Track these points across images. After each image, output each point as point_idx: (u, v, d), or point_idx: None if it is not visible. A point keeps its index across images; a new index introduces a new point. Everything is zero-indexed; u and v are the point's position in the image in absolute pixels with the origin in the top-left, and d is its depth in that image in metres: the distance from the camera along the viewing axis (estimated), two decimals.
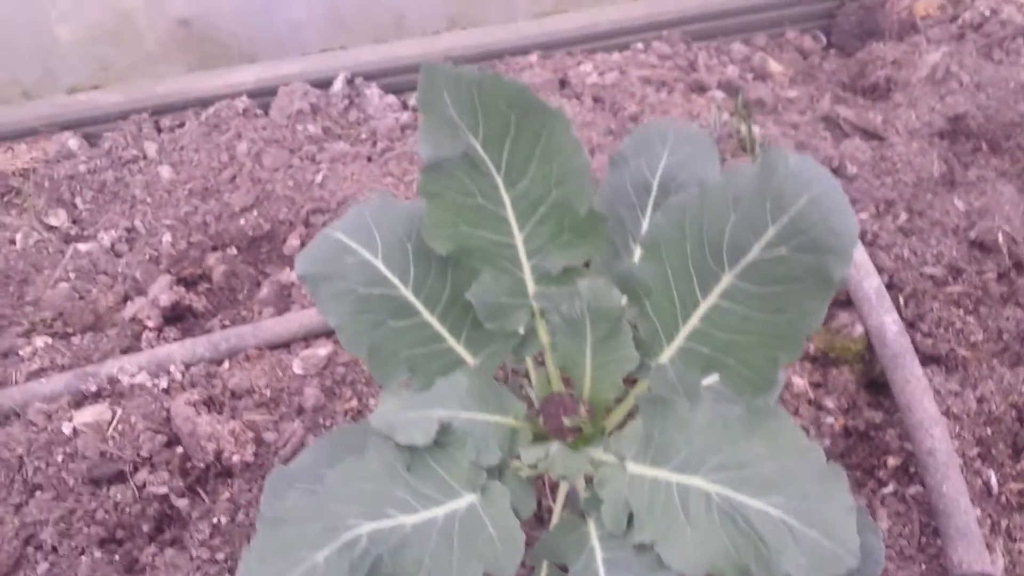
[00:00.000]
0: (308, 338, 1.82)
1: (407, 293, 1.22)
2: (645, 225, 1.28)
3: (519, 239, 1.18)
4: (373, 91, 2.46)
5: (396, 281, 1.22)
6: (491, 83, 1.11)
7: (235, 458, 1.60)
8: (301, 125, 2.35)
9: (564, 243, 1.17)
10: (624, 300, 1.11)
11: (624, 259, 1.26)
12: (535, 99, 1.12)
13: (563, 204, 1.15)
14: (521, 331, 1.22)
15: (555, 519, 1.22)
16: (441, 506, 1.04)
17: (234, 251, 2.12)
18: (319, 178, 2.21)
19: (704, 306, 1.01)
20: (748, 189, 0.95)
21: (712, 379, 1.05)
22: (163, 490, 1.58)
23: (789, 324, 0.93)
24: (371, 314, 1.21)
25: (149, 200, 2.21)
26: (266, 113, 2.40)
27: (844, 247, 0.90)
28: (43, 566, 1.49)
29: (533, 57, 2.49)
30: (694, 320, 1.03)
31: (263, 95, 2.43)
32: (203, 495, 1.61)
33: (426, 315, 1.23)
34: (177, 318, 1.97)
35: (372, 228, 1.24)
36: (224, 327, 1.93)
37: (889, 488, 1.57)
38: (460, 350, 1.24)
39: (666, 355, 1.08)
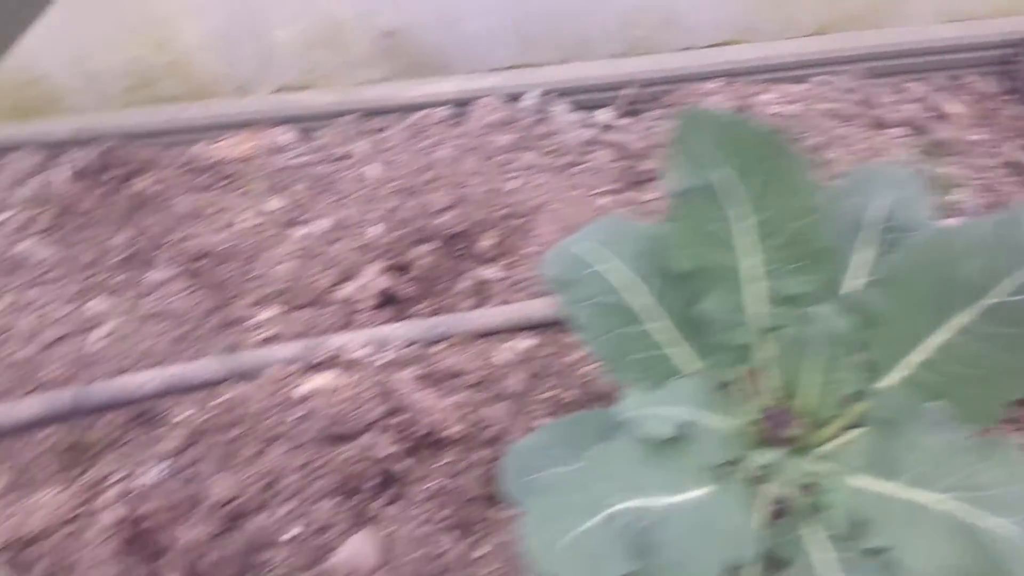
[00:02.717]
0: (512, 331, 2.01)
1: (640, 304, 1.39)
2: (857, 260, 1.42)
3: (753, 264, 1.33)
4: (561, 107, 2.65)
5: (630, 292, 1.39)
6: (743, 125, 1.27)
7: (449, 431, 1.80)
8: (495, 135, 2.55)
9: (794, 271, 1.31)
10: (848, 326, 1.25)
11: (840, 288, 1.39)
12: (781, 142, 1.27)
13: (798, 236, 1.29)
14: (744, 346, 1.38)
15: (765, 520, 1.36)
16: (681, 495, 1.19)
17: (434, 246, 2.34)
18: (512, 186, 2.40)
19: (935, 339, 1.14)
20: (990, 236, 1.08)
21: (930, 404, 1.18)
22: (385, 453, 1.78)
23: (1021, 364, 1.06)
24: (607, 319, 1.38)
25: (358, 195, 2.45)
26: (464, 122, 2.62)
27: None
28: (285, 507, 1.71)
29: (715, 84, 2.63)
30: (923, 351, 1.16)
31: (460, 105, 2.65)
32: (420, 462, 1.81)
33: (657, 324, 1.39)
34: (386, 303, 2.20)
35: (608, 243, 1.42)
36: (427, 315, 2.14)
37: None
38: (687, 358, 1.40)
39: (890, 380, 1.21)
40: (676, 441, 1.25)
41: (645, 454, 1.22)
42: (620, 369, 1.38)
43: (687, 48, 2.77)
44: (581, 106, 2.67)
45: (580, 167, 2.46)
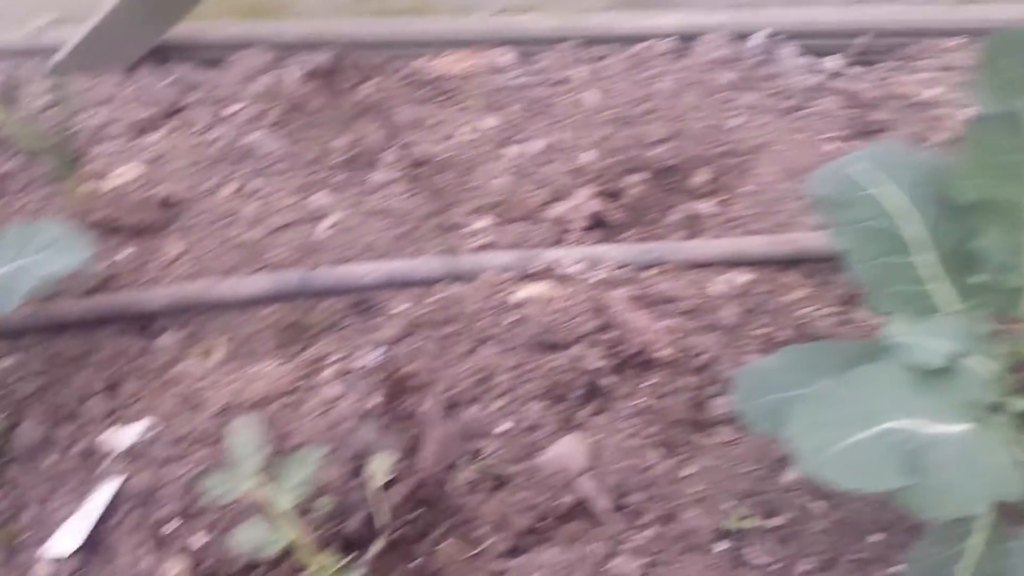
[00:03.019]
0: (727, 265, 1.98)
1: (911, 233, 1.33)
2: None
3: None
4: (788, 51, 2.56)
5: (903, 220, 1.34)
6: None
7: (659, 353, 1.80)
8: (717, 73, 2.50)
9: None
10: None
11: None
12: None
13: None
14: (1016, 290, 1.31)
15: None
16: (947, 426, 1.15)
17: (645, 177, 2.32)
18: (732, 124, 2.35)
19: None
20: None
21: None
22: (593, 366, 1.80)
23: None
24: (874, 245, 1.34)
25: (573, 119, 2.46)
26: (686, 57, 2.57)
27: None
28: (497, 403, 1.76)
29: (956, 42, 2.48)
30: None
31: (684, 40, 2.60)
32: (627, 379, 1.82)
33: (924, 257, 1.33)
34: (595, 226, 2.21)
35: (884, 168, 1.37)
36: (636, 242, 2.14)
37: None
38: (947, 297, 1.34)
39: None
40: (942, 374, 1.21)
41: (912, 381, 1.18)
42: (880, 299, 1.34)
43: (929, 2, 2.63)
44: (809, 51, 2.58)
45: (805, 112, 2.38)
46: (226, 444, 1.34)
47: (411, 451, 1.64)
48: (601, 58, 2.64)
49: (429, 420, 1.19)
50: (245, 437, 1.33)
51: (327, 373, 1.89)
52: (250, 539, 1.29)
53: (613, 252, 2.02)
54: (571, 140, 2.41)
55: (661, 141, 2.35)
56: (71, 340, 2.02)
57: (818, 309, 1.91)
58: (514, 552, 1.58)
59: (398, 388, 1.48)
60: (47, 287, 1.81)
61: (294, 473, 1.31)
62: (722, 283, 1.94)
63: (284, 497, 1.29)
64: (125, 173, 2.49)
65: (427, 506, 1.61)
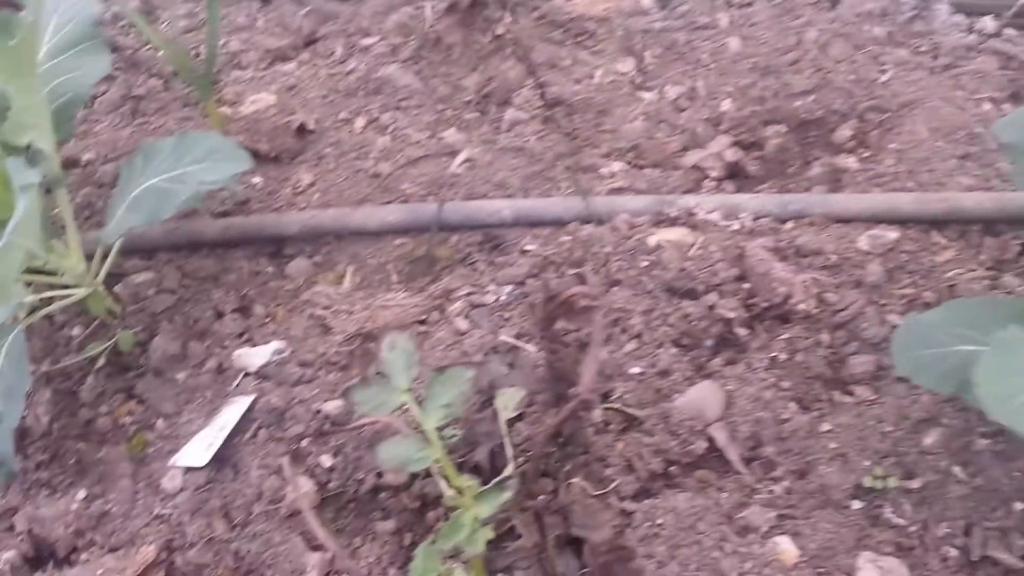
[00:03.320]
0: (873, 221, 1.91)
1: None
2: None
3: None
4: (942, 7, 2.44)
5: None
6: None
7: (800, 306, 1.75)
8: (868, 25, 2.40)
9: None
10: None
11: None
12: None
13: None
14: None
15: None
16: None
17: (786, 128, 2.25)
18: (883, 78, 2.25)
19: None
20: None
21: None
22: (729, 315, 1.76)
23: None
24: None
25: (712, 66, 2.39)
26: (836, 7, 2.47)
27: None
28: (629, 345, 1.74)
29: None
30: None
31: None
32: (762, 331, 1.78)
33: None
34: (732, 176, 2.15)
35: None
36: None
37: None
38: None
39: None
40: None
41: None
42: None
43: None
44: (963, 10, 2.46)
45: (958, 71, 2.26)
46: (380, 358, 1.35)
47: (548, 384, 1.63)
48: (747, 4, 2.55)
49: (595, 340, 1.16)
50: (398, 353, 1.34)
51: (456, 306, 1.90)
52: (395, 455, 1.30)
53: (752, 202, 1.97)
54: (710, 87, 2.34)
55: (805, 93, 2.27)
56: (205, 259, 2.08)
57: (968, 271, 1.82)
58: (642, 495, 1.57)
59: (555, 312, 1.45)
60: (203, 197, 1.85)
61: (443, 393, 1.32)
62: (867, 240, 1.87)
63: (432, 416, 1.30)
64: (260, 100, 2.54)
65: (558, 442, 1.61)
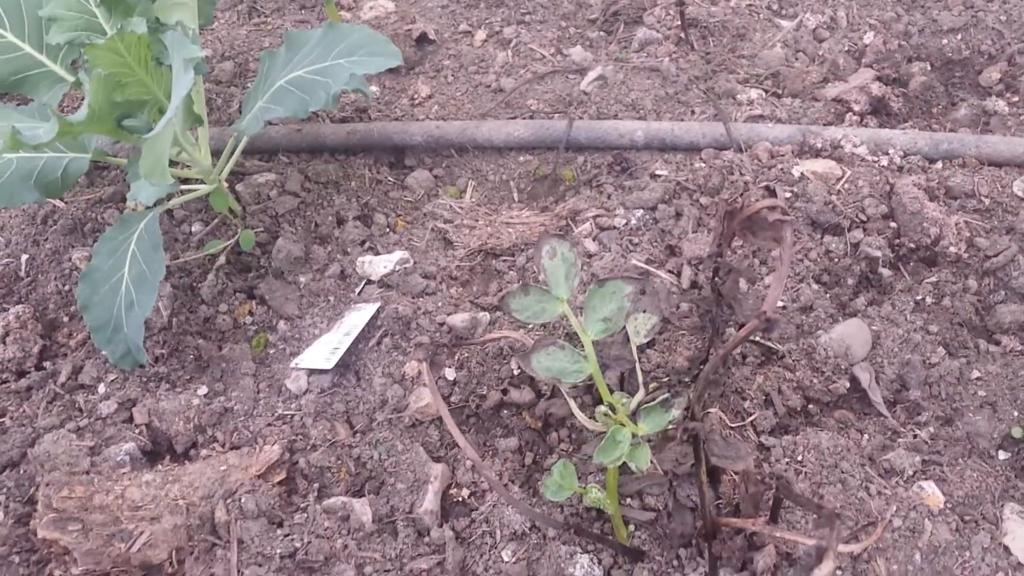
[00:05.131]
0: None
1: None
2: None
3: None
4: None
5: None
6: None
7: (950, 249, 1.68)
8: None
9: None
10: None
11: None
12: None
13: None
14: None
15: None
16: None
17: (931, 66, 2.14)
18: None
19: None
20: None
21: None
22: (875, 254, 1.70)
23: None
24: None
25: None
26: None
27: None
28: (769, 278, 1.69)
29: None
30: None
31: None
32: (906, 272, 1.71)
33: None
34: (874, 111, 2.05)
35: None
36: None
37: None
38: None
39: None
40: None
41: None
42: None
43: None
44: None
45: None
46: (539, 264, 1.30)
47: (707, 308, 1.59)
48: None
49: (783, 259, 1.09)
50: (559, 262, 1.30)
51: (584, 228, 1.85)
52: (550, 367, 1.27)
53: (902, 138, 1.88)
54: (854, 18, 2.23)
55: (952, 31, 2.15)
56: (327, 164, 2.05)
57: None
58: (779, 430, 1.53)
59: (740, 227, 1.39)
60: (353, 89, 1.80)
61: (602, 306, 1.28)
62: (1021, 184, 1.78)
63: (592, 329, 1.27)
64: (379, 5, 2.48)
65: (692, 373, 1.58)
